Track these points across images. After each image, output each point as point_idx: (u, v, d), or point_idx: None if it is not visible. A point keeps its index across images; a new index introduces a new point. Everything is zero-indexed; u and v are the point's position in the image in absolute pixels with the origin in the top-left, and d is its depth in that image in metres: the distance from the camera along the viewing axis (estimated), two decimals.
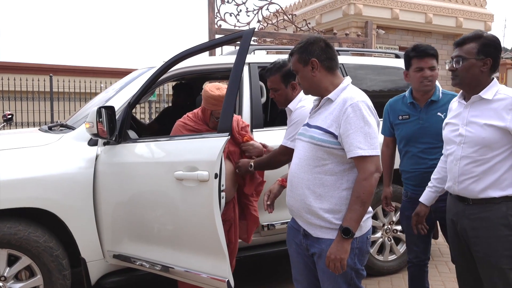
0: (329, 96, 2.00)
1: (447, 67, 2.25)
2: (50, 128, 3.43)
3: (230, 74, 2.34)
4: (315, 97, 2.14)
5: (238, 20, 6.52)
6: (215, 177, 2.27)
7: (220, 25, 6.38)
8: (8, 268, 2.69)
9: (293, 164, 2.10)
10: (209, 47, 2.74)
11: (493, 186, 2.04)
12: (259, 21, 6.93)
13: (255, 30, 7.10)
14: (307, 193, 1.99)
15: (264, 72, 2.75)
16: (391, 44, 9.00)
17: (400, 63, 4.21)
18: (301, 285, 2.24)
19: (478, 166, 2.06)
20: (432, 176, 2.45)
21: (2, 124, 10.17)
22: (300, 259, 2.17)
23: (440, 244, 4.75)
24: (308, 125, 2.08)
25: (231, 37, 2.47)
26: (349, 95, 1.95)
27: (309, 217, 2.00)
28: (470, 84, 2.11)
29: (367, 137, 1.88)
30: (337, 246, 1.87)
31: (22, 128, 12.11)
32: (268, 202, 2.48)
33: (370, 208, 2.01)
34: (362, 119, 1.89)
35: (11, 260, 2.71)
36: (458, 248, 2.27)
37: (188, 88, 4.63)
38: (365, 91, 3.81)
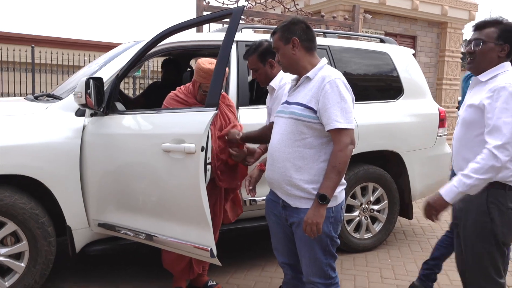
0: (307, 74, 2.12)
1: (463, 49, 2.32)
2: (36, 98, 3.44)
3: (219, 51, 2.39)
4: (293, 77, 2.26)
5: None
6: (202, 150, 2.34)
7: (209, 2, 6.35)
8: None
9: (273, 139, 2.21)
10: (198, 23, 2.78)
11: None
12: (247, 0, 6.91)
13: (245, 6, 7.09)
14: (288, 166, 2.10)
15: (243, 55, 2.83)
16: (377, 29, 9.06)
17: (384, 47, 4.32)
18: (281, 253, 2.36)
19: (462, 147, 2.18)
20: None
21: None
22: (279, 229, 2.29)
23: (414, 225, 4.93)
24: (287, 102, 2.20)
25: (220, 14, 2.51)
26: (327, 73, 2.08)
27: (289, 188, 2.11)
28: (485, 69, 2.14)
29: (343, 111, 2.01)
30: (313, 211, 2.01)
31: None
32: (250, 187, 2.60)
33: (344, 181, 2.16)
34: (339, 95, 2.01)
35: None
36: (456, 227, 2.33)
37: (176, 64, 4.64)
38: (349, 73, 3.95)
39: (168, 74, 4.64)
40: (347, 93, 2.06)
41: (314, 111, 2.05)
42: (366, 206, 4.03)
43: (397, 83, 4.23)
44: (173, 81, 4.46)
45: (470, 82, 2.27)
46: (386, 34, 9.21)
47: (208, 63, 2.72)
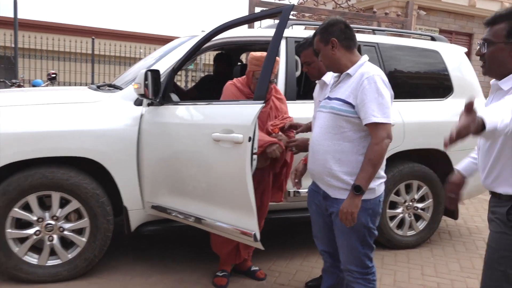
0: (348, 71, 2.22)
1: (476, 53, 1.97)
2: (98, 87, 3.71)
3: (268, 48, 2.52)
4: (335, 74, 2.35)
5: None
6: (249, 140, 2.49)
7: None
8: (60, 209, 3.03)
9: (314, 133, 2.34)
10: (250, 20, 2.92)
11: (498, 180, 1.79)
12: None
13: (295, 4, 7.17)
14: (328, 158, 2.22)
15: (297, 47, 2.91)
16: (431, 26, 8.87)
17: (435, 45, 4.28)
18: (321, 241, 2.48)
19: (485, 157, 1.86)
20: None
21: (46, 83, 10.68)
22: (319, 218, 2.41)
23: (460, 225, 4.87)
24: (328, 98, 2.31)
25: (271, 12, 2.63)
26: (366, 70, 2.17)
27: (329, 179, 2.23)
28: (502, 72, 1.79)
29: (381, 106, 2.09)
30: (349, 201, 2.11)
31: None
32: (296, 180, 2.71)
33: (383, 173, 2.24)
34: (377, 91, 2.10)
35: (63, 203, 3.04)
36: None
37: (228, 58, 4.82)
38: (398, 71, 3.96)
39: (219, 68, 4.82)
40: (385, 89, 2.14)
41: (353, 106, 2.15)
42: (410, 203, 4.04)
43: (447, 81, 4.19)
44: (224, 75, 4.64)
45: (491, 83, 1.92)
46: (441, 31, 9.00)
47: (259, 53, 2.87)
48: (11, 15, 11.92)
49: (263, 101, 2.47)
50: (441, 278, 3.53)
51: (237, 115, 2.58)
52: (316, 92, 2.96)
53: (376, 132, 2.10)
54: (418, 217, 4.13)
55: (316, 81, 2.87)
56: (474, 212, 5.43)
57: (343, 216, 2.13)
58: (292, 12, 7.71)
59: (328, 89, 2.42)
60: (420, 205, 4.08)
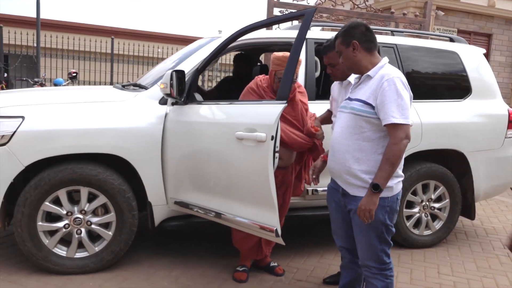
0: (368, 73, 2.29)
1: None
2: (123, 87, 3.84)
3: (291, 49, 2.61)
4: (356, 75, 2.43)
5: None
6: (271, 139, 2.58)
7: None
8: (88, 204, 3.16)
9: (335, 132, 2.43)
10: (273, 22, 3.02)
11: None
12: None
13: (316, 7, 7.23)
14: (347, 157, 2.30)
15: (321, 49, 2.98)
16: (449, 27, 8.83)
17: (454, 46, 4.31)
18: (340, 237, 2.56)
19: None
20: None
21: (67, 82, 10.91)
22: (338, 215, 2.49)
23: (476, 226, 4.89)
24: (349, 98, 2.39)
25: (293, 15, 2.72)
26: (386, 71, 2.24)
27: (348, 177, 2.32)
28: None
29: (400, 108, 2.16)
30: (367, 199, 2.19)
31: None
32: (314, 176, 2.80)
33: (401, 172, 2.32)
34: (396, 92, 2.17)
35: (90, 198, 3.17)
36: None
37: (247, 59, 4.91)
38: (417, 72, 4.00)
39: (239, 68, 4.90)
40: (405, 91, 2.21)
41: (373, 107, 2.23)
42: (427, 203, 4.08)
43: (466, 82, 4.22)
44: (244, 75, 4.73)
45: None
46: (459, 31, 8.96)
47: (282, 53, 2.96)
48: (33, 15, 12.19)
49: (285, 101, 2.56)
50: (457, 277, 3.58)
51: (260, 115, 2.67)
52: (335, 90, 3.02)
53: (395, 132, 2.17)
54: (434, 217, 4.17)
55: (338, 81, 2.94)
56: (491, 213, 5.44)
57: (361, 213, 2.21)
58: None
59: (349, 90, 2.49)
60: (436, 205, 4.12)
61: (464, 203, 4.26)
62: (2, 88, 9.84)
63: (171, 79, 3.00)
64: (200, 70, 3.24)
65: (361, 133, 2.27)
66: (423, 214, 4.09)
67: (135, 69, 13.55)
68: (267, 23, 2.95)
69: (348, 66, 2.38)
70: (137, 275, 3.25)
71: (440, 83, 4.25)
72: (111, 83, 13.39)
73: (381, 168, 2.19)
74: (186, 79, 3.18)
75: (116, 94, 3.51)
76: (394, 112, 2.16)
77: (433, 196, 4.09)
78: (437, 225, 4.18)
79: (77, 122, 3.04)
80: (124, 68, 13.49)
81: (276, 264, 3.43)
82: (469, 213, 4.30)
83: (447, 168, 4.10)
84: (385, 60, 2.34)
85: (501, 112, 4.26)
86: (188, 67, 3.33)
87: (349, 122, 2.31)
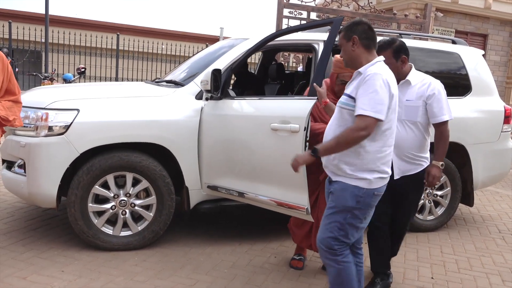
0: (359, 69, 2.39)
1: None
2: (156, 82, 4.20)
3: (320, 54, 3.00)
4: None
5: None
6: (304, 130, 2.96)
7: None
8: (132, 188, 3.53)
9: (328, 124, 2.56)
10: (303, 28, 3.43)
11: None
12: None
13: (320, 6, 7.61)
14: None
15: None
16: (447, 27, 9.25)
17: (455, 48, 4.71)
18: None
19: None
20: None
21: (76, 77, 11.19)
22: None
23: (473, 213, 5.32)
24: (344, 93, 2.47)
25: (322, 22, 3.11)
26: (374, 69, 2.32)
27: (332, 167, 2.47)
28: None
29: (371, 100, 2.24)
30: (303, 154, 2.50)
31: (90, 81, 13.16)
32: None
33: (386, 169, 2.40)
34: (372, 87, 2.25)
35: (134, 182, 3.54)
36: None
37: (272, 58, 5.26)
38: (420, 71, 4.37)
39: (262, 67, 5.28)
40: (383, 88, 2.26)
41: (354, 100, 2.33)
42: (430, 191, 4.49)
43: (466, 81, 4.62)
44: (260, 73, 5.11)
45: None
46: (457, 32, 9.39)
47: None
48: (41, 11, 12.43)
49: (316, 97, 2.94)
50: (458, 256, 3.99)
51: (293, 109, 3.06)
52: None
53: (357, 121, 2.26)
54: (437, 204, 4.59)
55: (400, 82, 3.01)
56: (486, 202, 5.87)
57: (291, 162, 2.45)
58: (315, 13, 8.17)
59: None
60: (439, 193, 4.53)
61: (464, 191, 4.67)
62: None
63: (209, 76, 3.37)
64: (234, 68, 3.62)
65: (345, 125, 2.36)
66: (426, 201, 4.50)
67: (139, 65, 13.85)
68: (295, 29, 3.35)
69: (346, 59, 2.46)
70: (175, 252, 3.62)
71: (443, 81, 4.60)
72: (116, 79, 13.70)
73: (327, 141, 2.38)
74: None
75: (157, 89, 3.87)
76: (365, 104, 2.24)
77: (436, 186, 4.49)
78: (439, 211, 4.59)
79: (126, 114, 3.41)
80: (129, 64, 13.79)
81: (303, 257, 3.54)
82: (468, 200, 4.71)
83: (449, 159, 4.50)
84: (378, 58, 2.41)
85: (498, 108, 4.67)
86: (221, 65, 3.70)
87: (336, 114, 2.45)
